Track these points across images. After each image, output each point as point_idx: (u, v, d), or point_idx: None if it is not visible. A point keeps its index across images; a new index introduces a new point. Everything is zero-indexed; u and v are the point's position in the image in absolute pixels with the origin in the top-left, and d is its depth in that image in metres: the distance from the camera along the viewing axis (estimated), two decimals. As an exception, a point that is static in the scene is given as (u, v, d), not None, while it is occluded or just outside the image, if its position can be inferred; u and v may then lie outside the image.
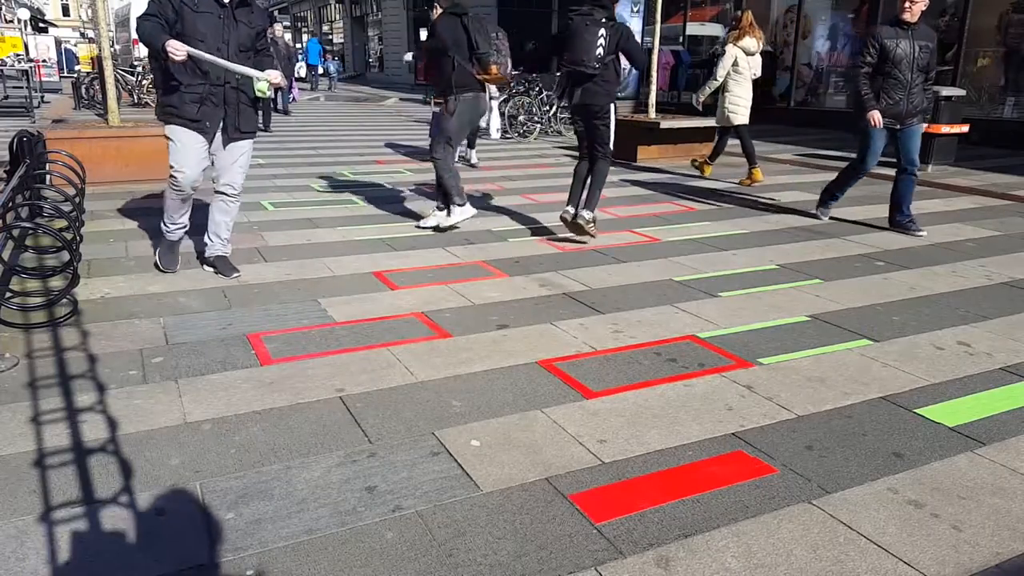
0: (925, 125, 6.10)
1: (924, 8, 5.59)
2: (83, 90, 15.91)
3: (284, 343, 3.55)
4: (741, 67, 8.02)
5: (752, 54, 8.07)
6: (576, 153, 10.48)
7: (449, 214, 5.72)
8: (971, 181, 8.22)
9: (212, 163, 4.32)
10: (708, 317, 4.00)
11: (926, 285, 4.63)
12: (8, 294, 3.94)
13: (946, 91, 8.60)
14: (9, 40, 19.49)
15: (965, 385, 3.20)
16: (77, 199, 5.41)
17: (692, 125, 10.27)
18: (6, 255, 4.49)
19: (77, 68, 24.35)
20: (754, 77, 8.14)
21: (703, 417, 2.88)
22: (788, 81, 14.94)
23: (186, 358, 3.35)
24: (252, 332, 3.68)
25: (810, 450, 2.65)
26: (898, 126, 5.83)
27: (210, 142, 4.22)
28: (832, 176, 8.92)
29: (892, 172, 8.78)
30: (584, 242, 5.52)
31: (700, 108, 8.60)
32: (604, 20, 5.08)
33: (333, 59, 30.43)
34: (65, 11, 61.40)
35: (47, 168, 5.99)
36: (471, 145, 9.32)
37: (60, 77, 22.28)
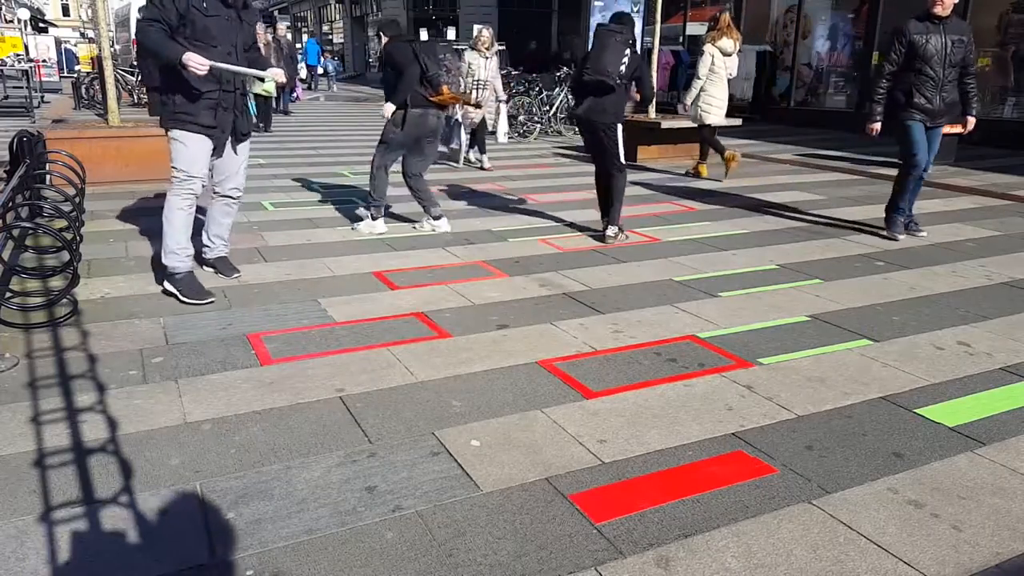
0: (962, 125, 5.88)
1: (956, 0, 5.37)
2: (83, 90, 15.91)
3: (284, 343, 3.55)
4: (717, 67, 8.16)
5: (729, 54, 8.19)
6: (576, 153, 10.50)
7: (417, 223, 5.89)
8: (971, 181, 8.23)
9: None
10: (708, 317, 4.00)
11: (926, 285, 4.64)
12: (8, 294, 3.95)
13: (946, 91, 8.59)
14: (9, 40, 19.49)
15: (965, 385, 3.20)
16: (77, 199, 5.41)
17: (692, 125, 10.24)
18: (6, 255, 4.49)
19: (77, 68, 24.35)
20: (729, 77, 8.31)
21: (703, 417, 2.88)
22: (788, 81, 14.95)
23: (186, 358, 3.35)
24: (252, 332, 3.68)
25: (810, 450, 2.65)
26: (928, 125, 5.59)
27: (221, 148, 4.17)
28: (831, 176, 8.94)
29: (894, 172, 8.80)
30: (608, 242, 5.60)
31: (687, 111, 8.68)
32: (630, 42, 5.32)
33: (332, 58, 30.42)
34: (65, 11, 61.40)
35: (47, 168, 5.99)
36: (482, 151, 9.28)
37: (60, 77, 22.28)
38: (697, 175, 8.82)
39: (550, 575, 1.99)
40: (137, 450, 2.56)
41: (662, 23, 10.26)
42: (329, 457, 2.55)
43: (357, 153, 10.60)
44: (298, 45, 30.16)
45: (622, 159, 5.49)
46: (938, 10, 5.35)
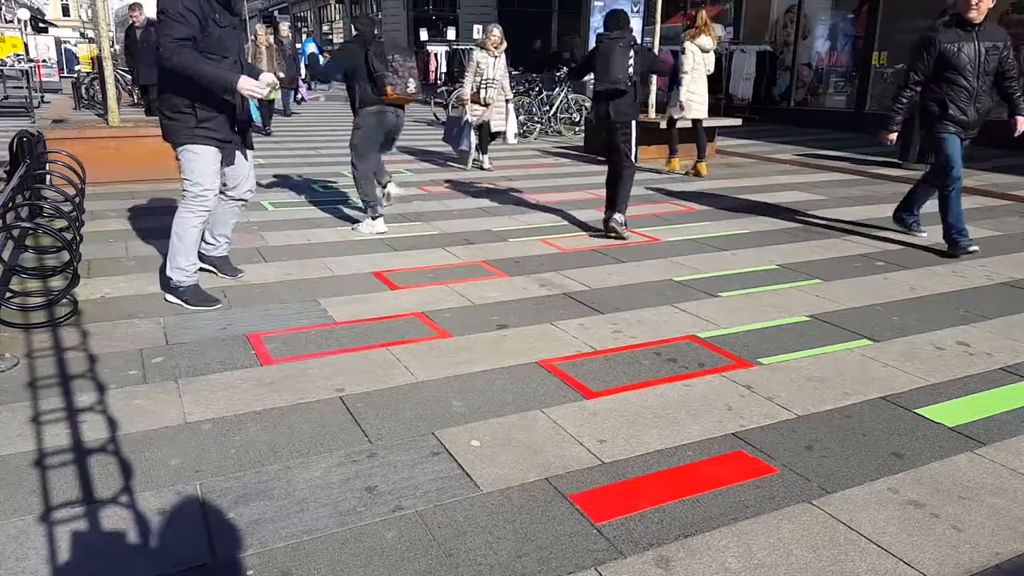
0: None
1: (991, 5, 5.03)
2: (83, 90, 15.91)
3: (284, 343, 3.55)
4: (696, 63, 8.40)
5: (707, 51, 8.43)
6: (576, 153, 10.49)
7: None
8: (971, 181, 8.21)
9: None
10: (708, 317, 4.00)
11: (926, 285, 4.64)
12: (8, 294, 3.95)
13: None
14: (9, 40, 19.49)
15: (965, 385, 3.20)
16: (77, 199, 5.41)
17: (690, 125, 10.23)
18: (6, 255, 4.49)
19: (77, 68, 24.35)
20: (708, 73, 8.58)
21: (703, 417, 2.88)
22: (788, 81, 14.95)
23: (186, 358, 3.35)
24: (252, 332, 3.68)
25: (810, 450, 2.65)
26: (962, 136, 5.25)
27: (231, 157, 4.14)
28: (831, 176, 8.94)
29: (894, 172, 8.80)
30: (625, 238, 5.71)
31: (680, 113, 8.73)
32: (632, 43, 5.55)
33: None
34: (65, 11, 61.42)
35: (47, 168, 5.99)
36: (483, 151, 9.19)
37: (60, 77, 22.28)
38: (697, 174, 8.82)
39: (550, 575, 1.99)
40: (137, 450, 2.56)
41: (662, 23, 10.25)
42: (329, 457, 2.55)
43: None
44: (297, 45, 30.15)
45: (633, 154, 5.75)
46: (972, 15, 4.97)
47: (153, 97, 11.94)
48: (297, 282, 4.52)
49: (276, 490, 2.35)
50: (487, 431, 2.74)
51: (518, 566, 2.02)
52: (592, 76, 5.71)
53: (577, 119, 13.06)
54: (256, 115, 11.26)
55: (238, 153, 4.20)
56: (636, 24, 16.54)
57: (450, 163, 9.69)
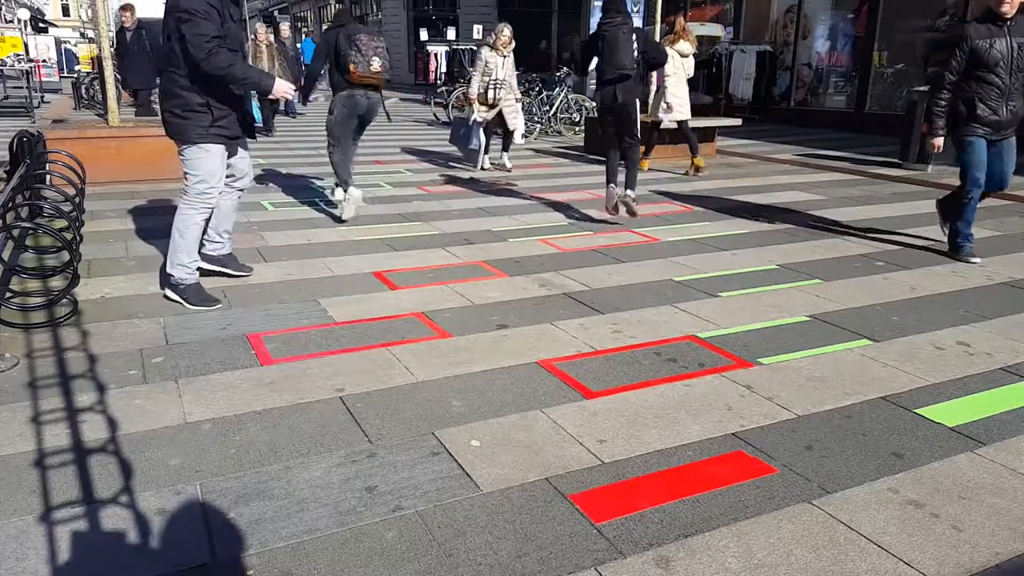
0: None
1: None
2: (83, 90, 15.90)
3: (284, 343, 3.55)
4: (676, 68, 8.67)
5: (687, 56, 8.75)
6: (576, 153, 10.49)
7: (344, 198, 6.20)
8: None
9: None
10: (708, 317, 4.00)
11: (926, 285, 4.64)
12: (8, 294, 3.95)
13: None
14: (9, 40, 19.48)
15: (965, 385, 3.20)
16: (77, 199, 5.41)
17: (692, 125, 10.24)
18: (6, 255, 4.49)
19: (77, 68, 24.32)
20: (688, 77, 8.88)
21: (703, 417, 2.88)
22: (788, 81, 14.95)
23: (186, 358, 3.35)
24: (252, 332, 3.68)
25: (810, 450, 2.65)
26: (994, 137, 5.04)
27: (234, 151, 4.18)
28: (831, 176, 8.94)
29: (894, 172, 8.80)
30: (635, 214, 6.07)
31: (669, 115, 8.85)
32: (634, 29, 5.86)
33: None
34: (65, 11, 61.40)
35: (47, 168, 5.99)
36: (484, 151, 9.05)
37: (60, 77, 22.26)
38: (697, 170, 8.88)
39: (550, 575, 1.99)
40: (137, 450, 2.56)
41: (662, 23, 10.25)
42: (329, 457, 2.55)
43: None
44: (297, 45, 30.15)
45: (638, 131, 6.19)
46: (1005, 9, 4.80)
47: (151, 99, 11.93)
48: (297, 282, 4.52)
49: (276, 490, 2.35)
50: (487, 431, 2.74)
51: (518, 566, 2.02)
52: (595, 64, 5.99)
53: (577, 119, 13.05)
54: (257, 113, 11.26)
55: (241, 147, 4.24)
56: (636, 23, 16.57)
57: (451, 163, 9.68)
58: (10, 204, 4.25)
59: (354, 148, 6.25)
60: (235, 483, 2.38)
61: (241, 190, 4.41)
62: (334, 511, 2.25)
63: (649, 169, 9.32)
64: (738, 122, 10.93)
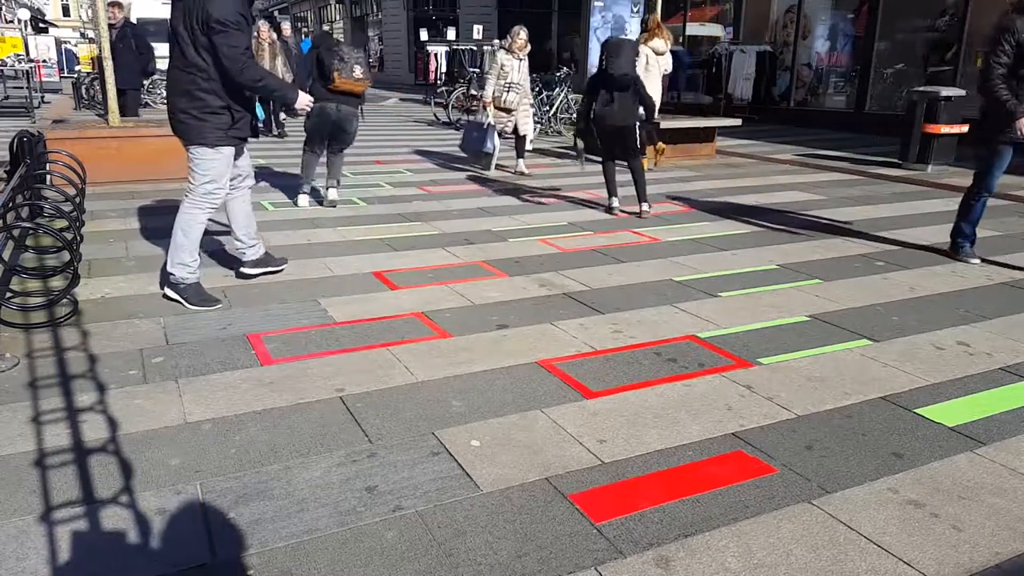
0: None
1: None
2: (83, 90, 15.89)
3: (284, 343, 3.55)
4: (651, 65, 8.79)
5: (661, 53, 8.86)
6: (576, 153, 10.50)
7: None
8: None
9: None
10: (708, 317, 4.00)
11: (926, 285, 4.64)
12: (9, 294, 3.95)
13: (946, 91, 8.61)
14: (9, 40, 19.50)
15: (965, 385, 3.20)
16: (77, 199, 5.42)
17: (691, 125, 10.27)
18: (7, 255, 4.50)
19: (77, 68, 24.31)
20: (665, 73, 9.07)
21: (703, 417, 2.88)
22: (788, 81, 14.95)
23: (186, 358, 3.35)
24: (252, 332, 3.68)
25: (810, 450, 2.65)
26: (1021, 142, 4.76)
27: (240, 152, 4.18)
28: (831, 176, 8.94)
29: (894, 172, 8.80)
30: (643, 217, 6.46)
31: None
32: (632, 41, 6.53)
33: None
34: (65, 11, 61.39)
35: (47, 168, 5.99)
36: (520, 155, 8.86)
37: (60, 77, 22.26)
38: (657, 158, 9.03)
39: (550, 575, 1.99)
40: (137, 450, 2.57)
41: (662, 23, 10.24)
42: (329, 457, 2.55)
43: (357, 153, 10.59)
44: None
45: (638, 146, 6.52)
46: None
47: (139, 100, 11.81)
48: (297, 282, 4.52)
49: (276, 490, 2.35)
50: (487, 431, 2.75)
51: (518, 566, 2.02)
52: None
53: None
54: (259, 112, 11.22)
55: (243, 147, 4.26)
56: (636, 25, 16.58)
57: (452, 163, 9.68)
58: (10, 204, 4.25)
59: (338, 158, 6.88)
60: (235, 483, 2.38)
61: (247, 188, 4.39)
62: (334, 511, 2.25)
63: (648, 169, 9.32)
64: (738, 122, 10.94)
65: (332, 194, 6.89)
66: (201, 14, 3.68)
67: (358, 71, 6.23)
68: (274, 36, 12.15)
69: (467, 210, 6.77)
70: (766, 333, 3.78)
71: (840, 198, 7.58)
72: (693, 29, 17.50)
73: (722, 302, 4.27)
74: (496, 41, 18.11)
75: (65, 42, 30.22)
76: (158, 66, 10.21)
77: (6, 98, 15.64)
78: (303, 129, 6.73)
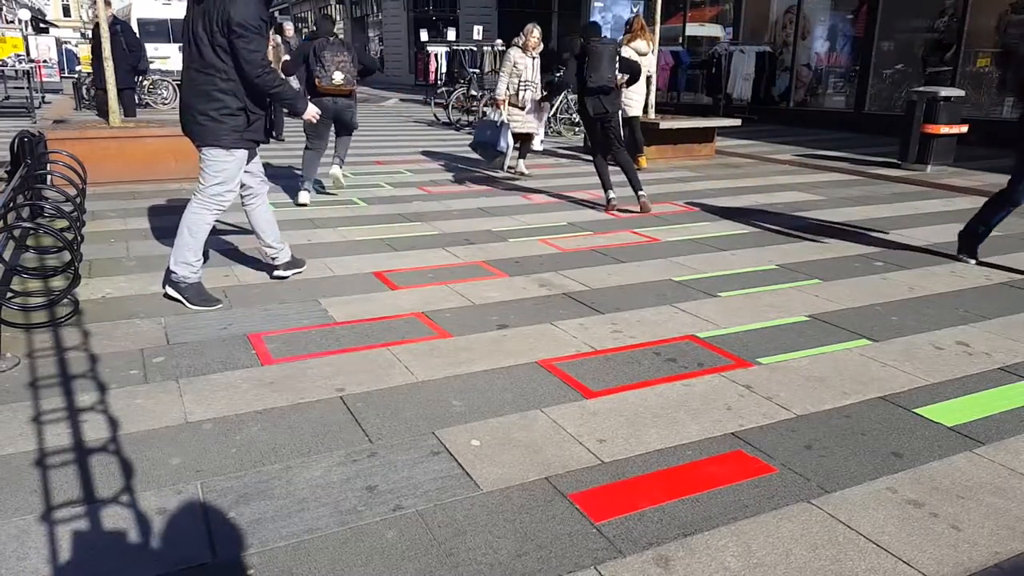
0: None
1: None
2: (84, 90, 15.90)
3: (284, 343, 3.56)
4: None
5: (644, 55, 8.84)
6: (575, 153, 10.50)
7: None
8: (971, 181, 8.23)
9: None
10: (708, 317, 4.01)
11: (925, 285, 4.64)
12: (9, 294, 3.95)
13: (945, 92, 8.62)
14: (10, 40, 19.49)
15: (964, 385, 3.21)
16: (78, 199, 5.42)
17: (691, 125, 10.28)
18: (7, 255, 4.50)
19: (78, 68, 24.33)
20: (647, 75, 9.18)
21: (702, 417, 2.89)
22: (787, 81, 14.96)
23: (187, 358, 3.36)
24: (253, 332, 3.69)
25: (809, 450, 2.65)
26: None
27: (252, 155, 4.20)
28: (831, 176, 8.95)
29: (893, 172, 8.81)
30: (649, 210, 6.68)
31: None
32: (616, 52, 6.57)
33: None
34: (66, 11, 61.40)
35: (48, 168, 6.00)
36: (522, 156, 8.77)
37: (61, 77, 22.29)
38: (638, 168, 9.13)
39: (550, 575, 2.00)
40: (138, 450, 2.57)
41: (662, 23, 10.26)
42: (329, 457, 2.56)
43: (357, 153, 10.60)
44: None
45: (622, 139, 6.88)
46: None
47: (135, 99, 11.76)
48: (297, 282, 4.52)
49: (276, 490, 2.36)
50: (487, 431, 2.75)
51: (518, 565, 2.03)
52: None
53: (577, 119, 13.06)
54: None
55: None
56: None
57: (453, 164, 9.69)
58: (11, 204, 4.25)
59: (346, 138, 7.23)
60: (236, 483, 2.39)
61: (265, 192, 4.40)
62: (334, 510, 2.25)
63: (648, 169, 9.33)
64: (737, 122, 10.95)
65: (335, 170, 7.23)
66: (222, 15, 3.70)
67: (338, 77, 6.54)
68: (278, 39, 12.14)
69: (467, 210, 6.77)
70: (765, 333, 3.79)
71: (840, 198, 7.58)
72: (693, 29, 17.51)
73: (722, 302, 4.27)
74: (499, 40, 18.13)
75: (66, 42, 30.23)
76: (150, 65, 10.15)
77: (7, 98, 15.64)
78: (302, 131, 6.86)
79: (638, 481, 2.44)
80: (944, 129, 8.61)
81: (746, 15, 15.83)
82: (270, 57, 12.33)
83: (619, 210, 6.73)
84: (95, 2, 8.49)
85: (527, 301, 4.25)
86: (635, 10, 17.31)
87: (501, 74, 8.58)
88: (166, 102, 16.95)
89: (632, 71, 7.01)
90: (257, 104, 3.98)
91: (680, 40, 17.56)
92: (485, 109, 11.39)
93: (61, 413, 2.82)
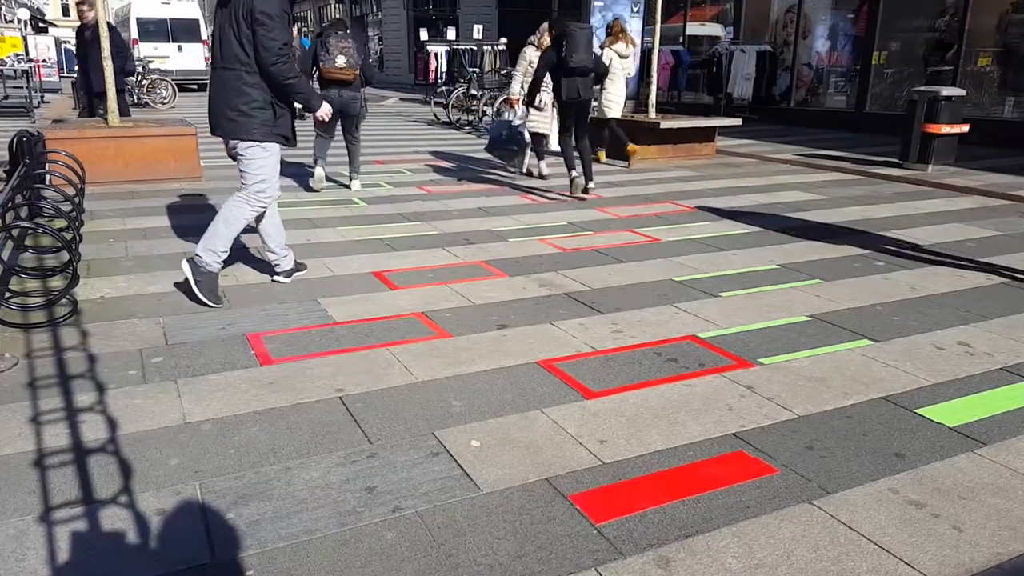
0: None
1: None
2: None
3: (284, 343, 3.55)
4: (615, 67, 9.05)
5: (625, 57, 9.18)
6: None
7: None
8: (971, 181, 8.22)
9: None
10: (708, 317, 4.00)
11: (926, 285, 4.63)
12: (8, 294, 3.94)
13: (946, 91, 8.61)
14: (9, 40, 19.48)
15: (965, 385, 3.20)
16: (77, 199, 5.41)
17: (692, 125, 10.27)
18: (6, 255, 4.49)
19: (77, 68, 24.32)
20: (628, 76, 9.53)
21: (703, 417, 2.88)
22: (788, 81, 14.94)
23: (186, 358, 3.35)
24: (252, 332, 3.68)
25: (811, 450, 2.64)
26: None
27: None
28: (831, 176, 8.94)
29: (894, 172, 8.79)
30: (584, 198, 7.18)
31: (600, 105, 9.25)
32: (589, 30, 6.83)
33: None
34: (65, 11, 61.36)
35: (47, 168, 5.98)
36: (540, 157, 8.64)
37: (60, 77, 22.27)
38: (597, 160, 9.42)
39: (550, 575, 1.99)
40: (137, 450, 2.56)
41: (662, 23, 10.25)
42: (329, 457, 2.55)
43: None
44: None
45: (587, 128, 7.20)
46: None
47: (127, 100, 11.66)
48: (296, 282, 4.51)
49: (276, 490, 2.35)
50: (487, 431, 2.74)
51: (518, 566, 2.02)
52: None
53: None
54: None
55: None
56: (636, 24, 16.56)
57: (453, 164, 9.68)
58: (10, 204, 4.24)
59: (356, 147, 7.58)
60: (235, 483, 2.38)
61: (276, 199, 4.40)
62: (334, 511, 2.24)
63: (649, 169, 9.34)
64: (738, 122, 10.94)
65: (355, 185, 7.62)
66: (246, 5, 3.82)
67: (340, 60, 6.78)
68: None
69: (467, 210, 6.76)
70: (767, 333, 3.78)
71: (841, 198, 7.57)
72: (693, 29, 17.50)
73: (722, 302, 4.26)
74: (504, 40, 18.09)
75: (65, 42, 30.19)
76: (148, 64, 10.00)
77: (6, 98, 15.63)
78: (312, 124, 7.31)
79: (639, 482, 2.43)
80: (945, 129, 8.59)
81: (747, 14, 15.82)
82: None
83: (558, 194, 7.30)
84: (84, 2, 8.47)
85: (527, 301, 4.24)
86: (635, 9, 17.26)
87: (516, 73, 8.57)
88: (165, 102, 16.94)
89: (598, 72, 7.14)
90: (281, 99, 4.04)
91: (681, 39, 17.55)
92: (501, 108, 11.30)
93: (59, 413, 2.81)
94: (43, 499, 2.28)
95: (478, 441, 2.67)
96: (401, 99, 21.98)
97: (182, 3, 22.85)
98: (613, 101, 9.18)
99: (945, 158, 8.85)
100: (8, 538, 2.09)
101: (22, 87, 14.72)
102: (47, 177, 5.92)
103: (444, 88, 16.86)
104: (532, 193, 7.65)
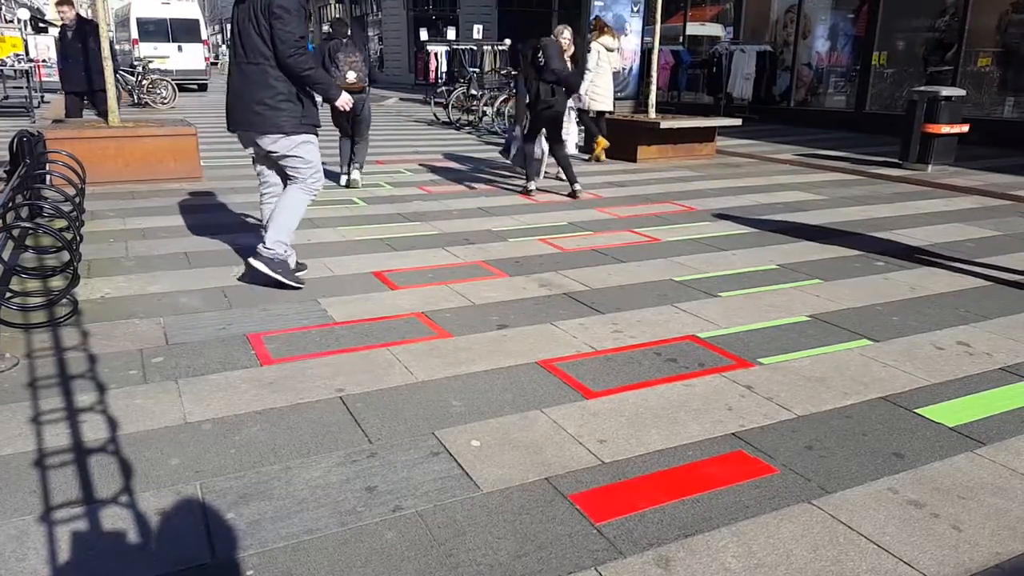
0: None
1: None
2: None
3: (284, 343, 3.55)
4: (602, 60, 9.27)
5: (612, 50, 9.45)
6: (575, 153, 10.52)
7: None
8: (971, 181, 8.23)
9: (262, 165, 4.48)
10: (708, 317, 4.00)
11: (926, 285, 4.63)
12: (8, 294, 3.95)
13: (946, 91, 8.61)
14: (9, 40, 19.49)
15: (965, 385, 3.20)
16: (77, 199, 5.41)
17: (692, 125, 10.27)
18: (6, 255, 4.50)
19: (58, 68, 24.28)
20: (614, 70, 9.66)
21: (703, 417, 2.88)
22: (788, 81, 14.94)
23: (186, 358, 3.35)
24: (252, 332, 3.68)
25: (810, 450, 2.65)
26: None
27: None
28: (831, 176, 8.94)
29: (894, 172, 8.80)
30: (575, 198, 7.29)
31: (586, 103, 9.35)
32: (558, 42, 7.23)
33: None
34: (65, 11, 61.32)
35: (47, 168, 5.98)
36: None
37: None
38: (597, 159, 9.67)
39: (550, 575, 1.99)
40: (137, 450, 2.56)
41: (662, 23, 10.25)
42: (329, 457, 2.55)
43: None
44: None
45: (562, 136, 7.48)
46: None
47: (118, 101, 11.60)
48: (297, 282, 4.51)
49: (276, 490, 2.35)
50: (487, 431, 2.74)
51: (518, 566, 2.02)
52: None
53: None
54: None
55: None
56: (636, 24, 16.57)
57: (453, 164, 9.68)
58: (10, 204, 4.25)
59: (363, 144, 7.97)
60: (235, 483, 2.38)
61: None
62: (334, 511, 2.25)
63: (649, 169, 9.33)
64: (738, 122, 10.94)
65: (355, 174, 7.88)
66: (264, 0, 3.92)
67: (351, 76, 7.12)
68: None
69: (467, 210, 6.77)
70: (766, 333, 3.78)
71: (840, 198, 7.58)
72: (693, 29, 17.49)
73: (722, 302, 4.27)
74: (507, 40, 18.07)
75: (65, 42, 30.14)
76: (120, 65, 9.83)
77: (6, 98, 15.63)
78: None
79: (638, 482, 2.43)
80: (945, 129, 8.60)
81: (747, 14, 15.82)
82: None
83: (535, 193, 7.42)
84: (64, 2, 8.48)
85: (527, 301, 4.25)
86: (635, 9, 17.25)
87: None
88: (165, 102, 16.95)
89: (565, 83, 7.15)
90: (305, 91, 4.13)
91: (680, 39, 17.55)
92: (501, 108, 11.43)
93: (60, 413, 2.81)
94: (43, 499, 2.28)
95: (478, 441, 2.67)
96: (401, 99, 21.98)
97: (182, 3, 22.85)
98: (600, 94, 9.32)
99: (945, 158, 8.85)
100: (8, 538, 2.10)
101: (22, 87, 14.71)
102: (47, 177, 5.93)
103: (444, 88, 16.86)
104: (532, 193, 7.65)
